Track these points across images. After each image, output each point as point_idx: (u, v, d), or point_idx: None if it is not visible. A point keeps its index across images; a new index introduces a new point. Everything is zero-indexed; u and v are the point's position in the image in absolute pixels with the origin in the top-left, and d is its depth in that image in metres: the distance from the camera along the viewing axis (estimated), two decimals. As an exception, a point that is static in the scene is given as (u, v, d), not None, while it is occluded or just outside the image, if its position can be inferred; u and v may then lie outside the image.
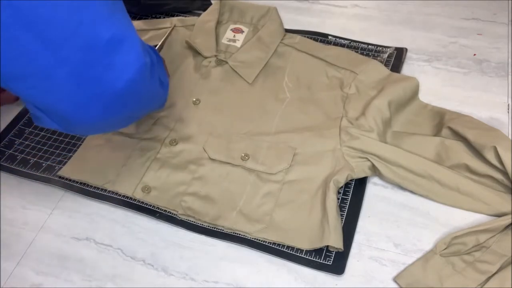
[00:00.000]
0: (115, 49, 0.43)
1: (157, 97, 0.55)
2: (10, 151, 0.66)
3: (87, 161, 0.63)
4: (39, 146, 0.67)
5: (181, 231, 0.57)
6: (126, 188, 0.60)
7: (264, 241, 0.55)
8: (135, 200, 0.60)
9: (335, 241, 0.52)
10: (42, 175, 0.63)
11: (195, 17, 0.77)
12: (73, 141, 0.66)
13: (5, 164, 0.65)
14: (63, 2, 0.40)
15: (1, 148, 0.67)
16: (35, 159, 0.65)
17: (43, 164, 0.64)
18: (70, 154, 0.65)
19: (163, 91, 0.55)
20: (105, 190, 0.61)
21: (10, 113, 0.71)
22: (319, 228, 0.54)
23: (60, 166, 0.64)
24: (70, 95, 0.44)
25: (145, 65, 0.46)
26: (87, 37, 0.41)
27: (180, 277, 0.54)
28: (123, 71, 0.44)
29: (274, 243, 0.55)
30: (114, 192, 0.61)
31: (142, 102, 0.51)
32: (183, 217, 0.58)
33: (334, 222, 0.53)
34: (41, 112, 0.46)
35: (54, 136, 0.67)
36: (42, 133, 0.68)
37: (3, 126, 0.70)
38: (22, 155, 0.66)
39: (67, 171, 0.63)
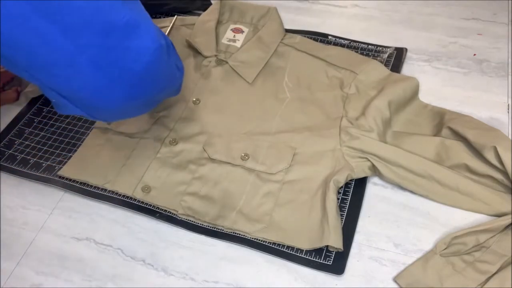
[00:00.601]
0: (132, 34, 0.44)
1: (174, 79, 0.56)
2: (10, 151, 0.66)
3: (87, 161, 0.63)
4: (39, 146, 0.67)
5: (181, 231, 0.57)
6: (126, 187, 0.60)
7: (264, 241, 0.55)
8: (135, 200, 0.60)
9: (335, 241, 0.52)
10: (42, 175, 0.63)
11: (195, 17, 0.77)
12: (73, 141, 0.66)
13: (5, 164, 0.65)
14: None
15: (1, 148, 0.67)
16: (35, 159, 0.65)
17: (43, 164, 0.64)
18: (70, 154, 0.65)
19: (180, 74, 0.57)
20: (105, 190, 0.61)
21: (10, 113, 0.71)
22: (319, 228, 0.54)
23: (60, 166, 0.64)
24: (92, 81, 0.45)
25: (162, 47, 0.48)
26: (105, 23, 0.43)
27: (180, 277, 0.54)
28: (141, 54, 0.46)
29: (274, 243, 0.55)
30: (114, 192, 0.61)
31: (161, 84, 0.52)
32: (183, 217, 0.58)
33: (334, 222, 0.53)
34: (65, 99, 0.47)
35: (54, 136, 0.67)
36: (42, 133, 0.68)
37: (3, 126, 0.70)
38: (22, 155, 0.66)
39: (67, 171, 0.63)
